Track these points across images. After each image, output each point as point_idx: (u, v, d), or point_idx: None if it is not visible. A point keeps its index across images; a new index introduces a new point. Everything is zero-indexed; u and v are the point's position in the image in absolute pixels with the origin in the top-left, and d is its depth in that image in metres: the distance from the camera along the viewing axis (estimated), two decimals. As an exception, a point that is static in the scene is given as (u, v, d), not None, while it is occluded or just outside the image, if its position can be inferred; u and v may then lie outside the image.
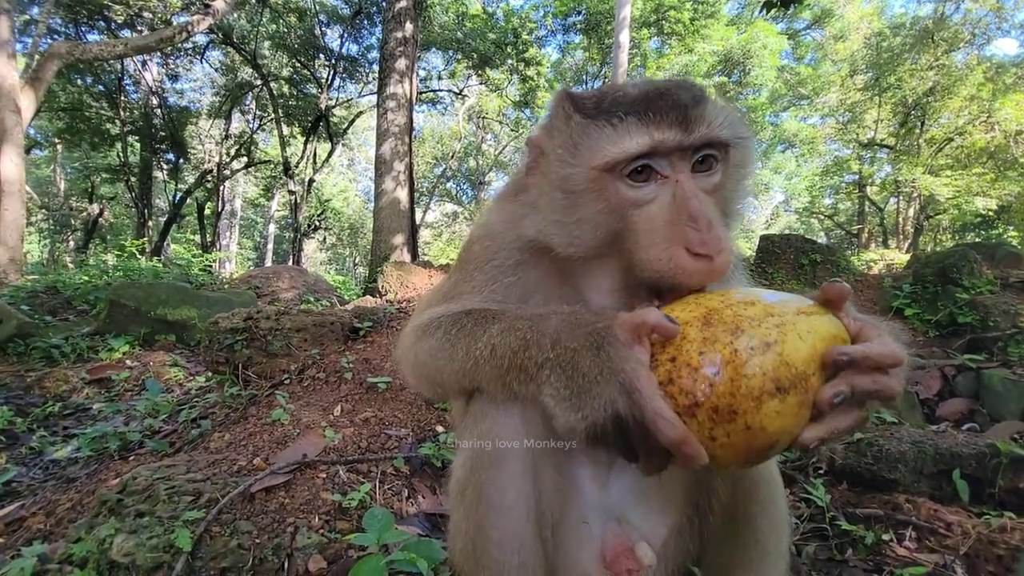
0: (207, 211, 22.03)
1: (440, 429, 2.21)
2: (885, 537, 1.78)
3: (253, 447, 1.85)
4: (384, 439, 2.02)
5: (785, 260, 4.10)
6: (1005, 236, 20.43)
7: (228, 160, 20.86)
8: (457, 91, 21.29)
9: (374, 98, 13.98)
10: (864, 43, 17.66)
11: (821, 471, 2.22)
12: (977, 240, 22.75)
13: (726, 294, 0.66)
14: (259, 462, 1.71)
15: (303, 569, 1.37)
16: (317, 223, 23.22)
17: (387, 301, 3.59)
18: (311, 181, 19.92)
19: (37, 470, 2.57)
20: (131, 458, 2.22)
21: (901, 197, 19.27)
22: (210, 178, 20.65)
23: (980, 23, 15.58)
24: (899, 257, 17.51)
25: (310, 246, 28.55)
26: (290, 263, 20.26)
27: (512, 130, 23.57)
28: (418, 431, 2.15)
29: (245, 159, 21.82)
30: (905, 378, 0.62)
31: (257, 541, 1.38)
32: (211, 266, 12.51)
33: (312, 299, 7.37)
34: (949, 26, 15.69)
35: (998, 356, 2.92)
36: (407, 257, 13.18)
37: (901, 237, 20.04)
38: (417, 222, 16.55)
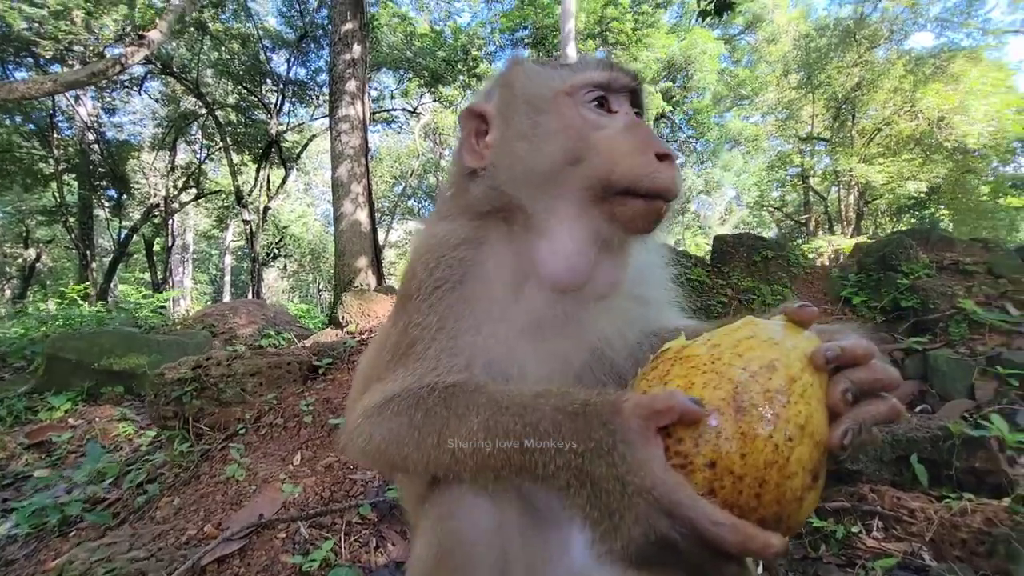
0: (156, 247, 21.05)
1: (408, 466, 2.13)
2: (854, 529, 1.82)
3: (204, 511, 1.73)
4: (348, 485, 1.93)
5: (739, 258, 4.22)
6: (937, 215, 21.87)
7: (176, 193, 20.03)
8: (411, 109, 21.24)
9: (327, 121, 13.77)
10: (794, 44, 18.68)
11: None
12: (913, 220, 24.29)
13: (738, 350, 0.56)
14: (210, 529, 1.59)
15: (263, 644, 1.28)
16: (276, 251, 22.57)
17: (348, 333, 3.48)
18: (266, 209, 19.33)
19: (-30, 553, 2.34)
20: (72, 533, 2.05)
21: (841, 186, 20.33)
22: (157, 212, 19.75)
23: (897, 20, 16.73)
24: (844, 242, 18.44)
25: (270, 275, 27.69)
26: (250, 295, 19.57)
27: (469, 145, 23.61)
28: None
29: (194, 191, 21.00)
30: (889, 366, 0.58)
31: (210, 620, 1.28)
32: (164, 306, 11.88)
33: (273, 333, 7.09)
34: (869, 24, 16.78)
35: (941, 337, 3.07)
36: (372, 279, 12.92)
37: (845, 223, 21.10)
38: (380, 243, 16.30)
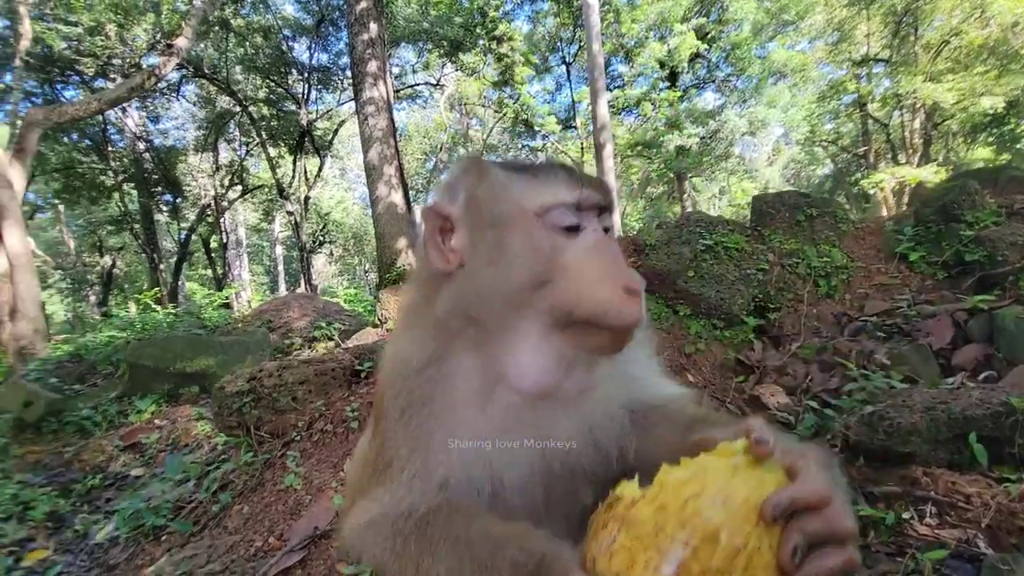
0: (213, 244, 22.36)
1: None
2: (906, 515, 1.76)
3: (269, 521, 1.90)
4: (395, 489, 2.06)
5: (780, 219, 3.95)
6: (1018, 131, 19.51)
7: (223, 191, 21.02)
8: (434, 82, 20.97)
9: (353, 105, 13.94)
10: (844, -45, 16.76)
11: (836, 448, 2.19)
12: (990, 139, 21.83)
13: (683, 515, 0.55)
14: (274, 541, 1.76)
15: (327, 648, 1.43)
16: (321, 238, 23.37)
17: (387, 331, 3.62)
18: (307, 198, 19.98)
19: (83, 556, 2.69)
20: (163, 537, 2.31)
21: (904, 110, 18.52)
22: (209, 212, 20.88)
23: (965, -89, 14.60)
24: (910, 172, 16.92)
25: (318, 261, 28.82)
26: (302, 283, 20.52)
27: (496, 111, 23.24)
28: (428, 473, 2.19)
29: (240, 187, 21.95)
30: (847, 509, 0.56)
31: (278, 629, 1.43)
32: (228, 302, 12.67)
33: (324, 324, 7.45)
34: (932, -80, 14.76)
35: (1010, 292, 2.81)
36: (412, 259, 13.25)
37: (910, 151, 19.31)
38: (417, 221, 16.52)
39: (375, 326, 3.74)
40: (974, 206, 3.22)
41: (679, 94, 21.24)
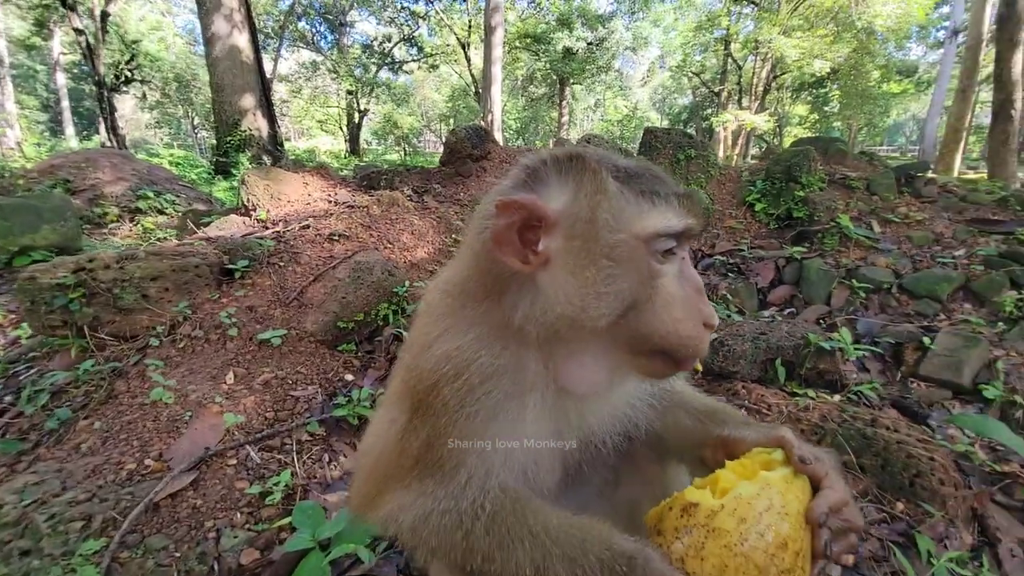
0: (-52, 54, 15.99)
1: (349, 378, 2.18)
2: (725, 418, 2.29)
3: (138, 440, 1.68)
4: (291, 403, 1.96)
5: (665, 154, 4.29)
6: (830, 94, 23.30)
7: (-42, -24, 14.71)
8: None
9: None
10: None
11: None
12: (810, 99, 25.71)
13: (760, 527, 0.65)
14: (153, 463, 1.58)
15: (235, 564, 1.39)
16: (128, 74, 18.31)
17: (258, 221, 3.13)
18: (105, 15, 15.08)
19: None
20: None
21: (758, 56, 20.51)
22: (-64, 4, 14.62)
23: None
24: (749, 117, 19.30)
25: (126, 105, 22.86)
26: (102, 130, 16.21)
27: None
28: (327, 385, 2.10)
29: (-13, -24, 15.54)
30: (856, 508, 0.73)
31: (176, 555, 1.34)
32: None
33: (152, 194, 6.16)
34: None
35: (816, 247, 3.56)
36: (262, 122, 11.31)
37: (753, 97, 21.82)
38: (268, 75, 13.88)
39: (241, 213, 3.18)
40: (809, 171, 3.87)
41: (575, -12, 20.22)
